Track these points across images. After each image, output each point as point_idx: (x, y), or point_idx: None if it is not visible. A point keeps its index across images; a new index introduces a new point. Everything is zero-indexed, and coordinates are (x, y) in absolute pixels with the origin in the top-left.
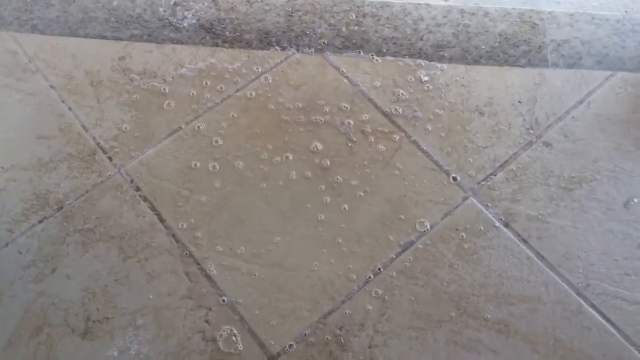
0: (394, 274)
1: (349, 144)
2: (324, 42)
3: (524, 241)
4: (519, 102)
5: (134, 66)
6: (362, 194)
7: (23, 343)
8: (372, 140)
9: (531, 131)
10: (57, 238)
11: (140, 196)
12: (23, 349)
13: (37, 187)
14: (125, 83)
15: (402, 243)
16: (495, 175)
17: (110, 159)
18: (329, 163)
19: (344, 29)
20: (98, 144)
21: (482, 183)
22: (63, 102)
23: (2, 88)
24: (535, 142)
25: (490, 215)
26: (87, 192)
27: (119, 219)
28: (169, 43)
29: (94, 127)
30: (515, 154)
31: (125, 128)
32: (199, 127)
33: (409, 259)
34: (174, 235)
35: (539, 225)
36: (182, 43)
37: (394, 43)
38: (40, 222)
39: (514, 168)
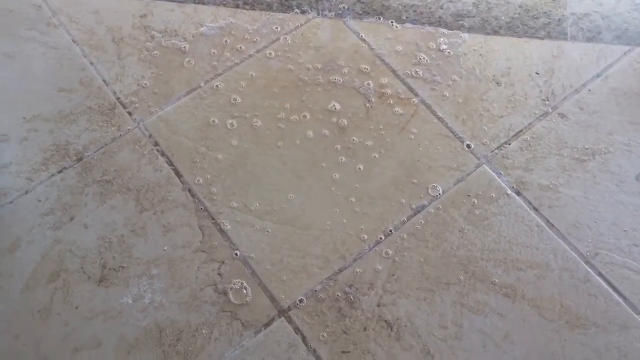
0: (405, 236)
1: (367, 105)
2: (343, 7)
3: (535, 209)
4: (536, 73)
5: (155, 24)
6: (376, 156)
7: (40, 287)
8: (390, 102)
9: (547, 102)
10: (75, 188)
11: (158, 151)
12: (40, 293)
13: (58, 138)
14: (146, 40)
15: (414, 206)
16: (509, 144)
17: (129, 113)
18: (346, 123)
19: None
20: (118, 98)
21: (496, 151)
22: (85, 56)
23: (26, 41)
24: (551, 113)
25: (502, 183)
26: (106, 144)
27: (136, 172)
28: (190, 2)
29: (115, 82)
30: (530, 124)
31: (145, 84)
32: (217, 85)
33: (420, 222)
34: (189, 190)
35: (551, 194)
36: (204, 3)
37: (414, 11)
38: (59, 172)
39: (528, 138)
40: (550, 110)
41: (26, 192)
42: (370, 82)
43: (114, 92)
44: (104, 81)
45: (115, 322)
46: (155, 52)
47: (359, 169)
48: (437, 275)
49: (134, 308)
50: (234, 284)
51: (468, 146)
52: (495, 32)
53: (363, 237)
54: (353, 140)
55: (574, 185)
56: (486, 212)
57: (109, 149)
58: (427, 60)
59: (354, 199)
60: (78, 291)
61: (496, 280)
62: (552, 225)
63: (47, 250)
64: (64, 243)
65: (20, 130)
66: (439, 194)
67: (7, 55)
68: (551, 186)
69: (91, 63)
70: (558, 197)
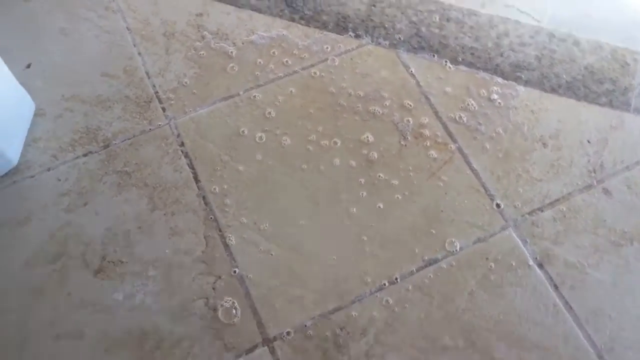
0: (410, 287)
1: (402, 142)
2: (400, 38)
3: (555, 287)
4: (588, 141)
5: (209, 24)
6: (399, 197)
7: (39, 267)
8: (427, 144)
9: (593, 174)
10: (95, 174)
11: (182, 151)
12: (38, 272)
13: (90, 122)
14: (196, 39)
15: (426, 258)
16: (542, 211)
17: (164, 109)
18: (375, 157)
19: (423, 29)
20: (156, 92)
21: (526, 216)
22: (134, 45)
23: (83, 21)
24: (595, 187)
25: (526, 252)
26: (134, 136)
27: (156, 169)
28: (248, 9)
29: (157, 75)
30: (569, 194)
31: (186, 82)
32: (255, 96)
33: (430, 276)
34: (204, 197)
35: (576, 273)
36: (260, 12)
37: (472, 54)
38: (84, 155)
39: (564, 209)
40: (595, 184)
41: (48, 169)
42: (410, 119)
43: (154, 86)
44: (147, 73)
45: (102, 316)
46: (202, 53)
47: (379, 207)
48: (435, 336)
49: (123, 306)
50: (226, 302)
51: (498, 205)
52: (552, 90)
53: (366, 279)
54: (379, 176)
55: (604, 269)
56: (502, 279)
57: (136, 141)
58: (474, 107)
59: (366, 238)
60: (74, 278)
61: (496, 356)
62: (570, 308)
63: (55, 231)
64: (72, 226)
65: (57, 107)
66: (456, 250)
67: (62, 31)
68: (578, 265)
69: (139, 53)
70: (583, 278)
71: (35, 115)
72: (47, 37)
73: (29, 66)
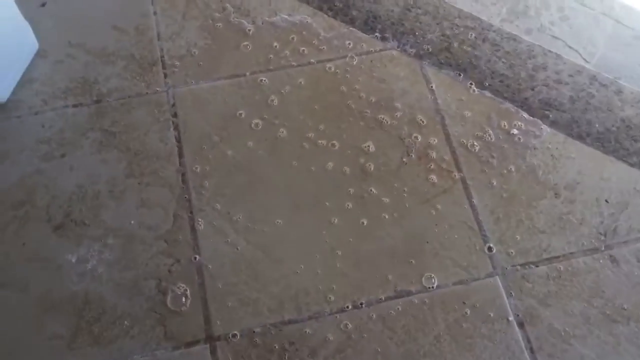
0: (374, 316)
1: (404, 159)
2: (428, 49)
3: (532, 351)
4: (606, 200)
5: None
6: (386, 217)
7: (2, 210)
8: (430, 167)
9: (602, 238)
10: (81, 127)
11: (173, 122)
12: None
13: (89, 73)
14: (216, 10)
15: (398, 288)
16: (537, 265)
17: (165, 75)
18: (372, 169)
19: (455, 45)
20: (162, 56)
21: (518, 268)
22: (152, 4)
23: None
24: (602, 252)
25: (508, 305)
26: (128, 97)
27: (142, 135)
28: None
29: (167, 39)
30: (571, 253)
31: (194, 53)
32: (262, 80)
33: (397, 308)
34: (183, 175)
35: (558, 342)
36: None
37: (501, 81)
38: (74, 105)
39: (561, 268)
40: (603, 248)
41: (36, 113)
42: (419, 136)
43: (162, 49)
44: (158, 34)
45: (50, 274)
46: (219, 25)
47: (362, 223)
48: None
49: (74, 269)
50: (178, 288)
51: (490, 249)
52: (579, 137)
53: (330, 297)
54: (370, 190)
55: (590, 343)
56: (475, 329)
57: (129, 102)
58: (490, 138)
59: (340, 253)
60: (33, 229)
61: None
62: None
63: (26, 177)
64: (44, 176)
65: (60, 51)
66: (432, 287)
67: None
68: (563, 333)
69: (154, 13)
70: (565, 349)
71: (37, 55)
72: None
73: (43, 5)
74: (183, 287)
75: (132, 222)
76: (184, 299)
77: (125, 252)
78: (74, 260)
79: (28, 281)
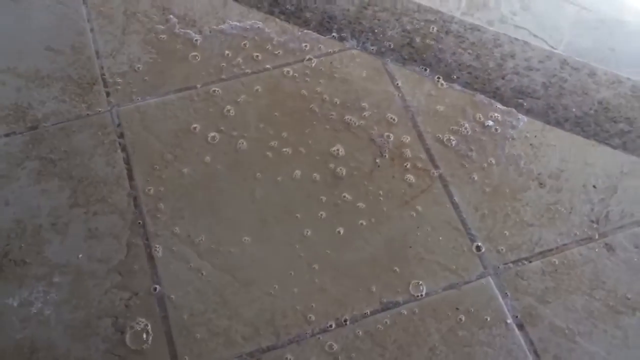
0: (361, 333)
1: (377, 160)
2: (389, 46)
3: (536, 354)
4: (594, 186)
5: (177, 8)
6: (364, 223)
7: None
8: (406, 166)
9: (595, 226)
10: (15, 158)
11: (120, 144)
12: None
13: (21, 99)
14: (159, 22)
15: (384, 300)
16: (530, 261)
17: (107, 94)
18: (344, 173)
19: (417, 40)
20: (103, 75)
21: (510, 265)
22: (88, 21)
23: None
24: (596, 241)
25: (505, 307)
26: (67, 120)
27: (86, 161)
28: None
29: (107, 56)
30: (565, 245)
31: (138, 68)
32: (214, 91)
33: (385, 322)
34: (135, 198)
35: (563, 341)
36: (237, 0)
37: (469, 73)
38: (6, 135)
39: (556, 261)
40: (597, 237)
41: None
42: (391, 135)
43: (102, 67)
44: (97, 52)
45: None
46: (162, 37)
47: (338, 232)
48: None
49: (16, 314)
50: (137, 324)
51: (478, 248)
52: (558, 124)
53: (310, 317)
54: (344, 196)
55: (597, 339)
56: (472, 336)
57: (69, 126)
58: (466, 131)
59: (317, 267)
60: None
61: None
62: None
63: None
64: None
65: None
66: (421, 295)
67: None
68: (567, 331)
69: (91, 29)
70: (571, 347)
71: None
72: None
73: None
74: (143, 322)
75: (80, 255)
76: (145, 336)
77: (74, 290)
78: (15, 305)
79: None
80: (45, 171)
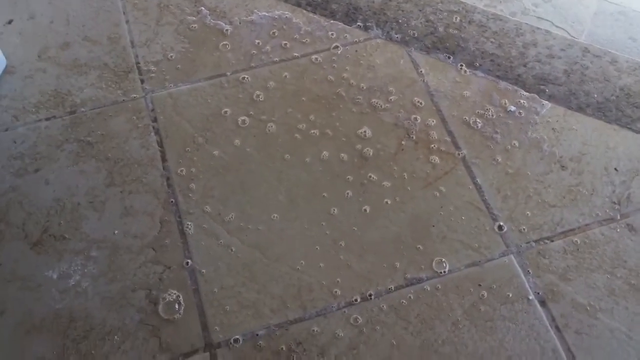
0: (385, 307)
1: (403, 142)
2: (413, 35)
3: (557, 329)
4: (615, 169)
5: (208, 0)
6: (389, 202)
7: None
8: (432, 148)
9: (616, 207)
10: (55, 140)
11: (153, 127)
12: None
13: (61, 85)
14: (191, 13)
15: (408, 276)
16: (552, 240)
17: (142, 81)
18: (370, 154)
19: (441, 29)
20: (137, 63)
21: (533, 244)
22: (124, 13)
23: None
24: (618, 221)
25: (527, 284)
26: (104, 105)
27: (122, 143)
28: None
29: (142, 45)
30: (587, 225)
31: (171, 56)
32: (244, 78)
33: (409, 297)
34: (168, 179)
35: (584, 317)
36: None
37: (492, 60)
38: (47, 119)
39: (578, 241)
40: (619, 217)
41: (6, 130)
42: (418, 117)
43: (136, 56)
44: (132, 42)
45: (30, 294)
46: (194, 27)
47: (364, 210)
48: None
49: (56, 286)
50: (169, 295)
51: (500, 228)
52: (580, 109)
53: (335, 291)
54: (370, 176)
55: (618, 316)
56: (494, 311)
57: (106, 111)
58: (490, 115)
59: (343, 244)
60: (9, 247)
61: None
62: (573, 357)
63: None
64: (18, 192)
65: (29, 66)
66: (444, 272)
67: None
68: (588, 308)
69: (127, 21)
70: (592, 323)
71: (5, 72)
72: None
73: (10, 22)
74: (175, 294)
75: (116, 232)
76: (177, 306)
77: (110, 264)
78: (55, 277)
79: (6, 304)
80: (83, 153)
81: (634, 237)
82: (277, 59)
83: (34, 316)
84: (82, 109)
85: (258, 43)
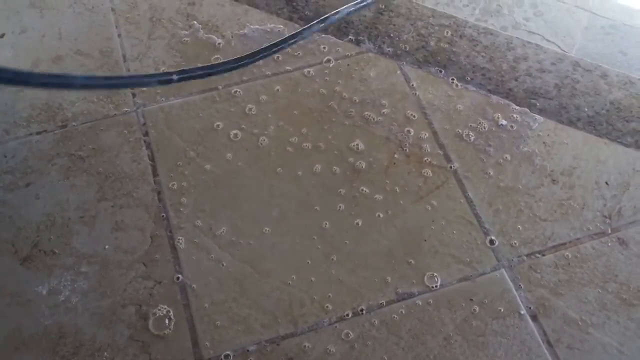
0: (376, 322)
1: (396, 155)
2: (405, 49)
3: (549, 344)
4: (606, 183)
5: (200, 15)
6: (381, 216)
7: None
8: (424, 161)
9: (607, 221)
10: (46, 154)
11: (145, 142)
12: None
13: (52, 99)
14: (183, 28)
15: (399, 291)
16: (543, 255)
17: (133, 95)
18: (363, 166)
19: (432, 44)
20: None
21: (524, 258)
22: (116, 27)
23: None
24: (608, 235)
25: (518, 299)
26: (96, 120)
27: (113, 157)
28: (244, 4)
29: (134, 60)
30: (578, 239)
31: (163, 70)
32: (236, 92)
33: (401, 312)
34: (159, 193)
35: (576, 332)
36: (257, 7)
37: (483, 74)
38: (38, 133)
39: (569, 255)
40: (609, 232)
41: None
42: (411, 130)
43: (128, 70)
44: (124, 56)
45: (19, 309)
46: (187, 41)
47: (356, 224)
48: None
49: (45, 301)
50: (159, 310)
51: (491, 242)
52: (570, 123)
53: (327, 306)
54: (362, 190)
55: (610, 330)
56: (486, 326)
57: (97, 125)
58: (481, 129)
59: (335, 258)
60: None
61: None
62: None
63: None
64: (7, 207)
65: None
66: (436, 286)
67: (44, 5)
68: (580, 322)
69: (119, 35)
70: (584, 338)
71: None
72: (26, 10)
73: (2, 36)
74: (165, 309)
75: (107, 246)
76: (167, 322)
77: (100, 279)
78: (44, 293)
79: None
80: (74, 167)
81: (625, 251)
82: (269, 72)
83: (23, 332)
84: (74, 123)
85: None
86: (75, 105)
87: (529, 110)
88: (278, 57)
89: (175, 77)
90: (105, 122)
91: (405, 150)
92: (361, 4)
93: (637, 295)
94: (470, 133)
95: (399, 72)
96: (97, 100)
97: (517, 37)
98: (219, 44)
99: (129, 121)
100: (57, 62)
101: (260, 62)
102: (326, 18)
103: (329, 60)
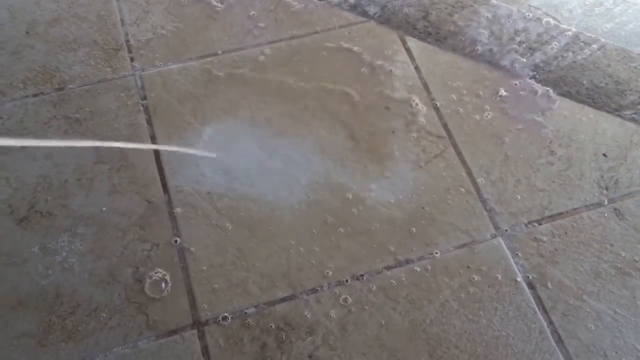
0: (374, 287)
1: (393, 124)
2: (406, 20)
3: (545, 310)
4: (604, 154)
5: None
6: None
7: None
8: (423, 130)
9: (605, 192)
10: (42, 117)
11: (142, 105)
12: None
13: (49, 62)
14: None
15: (399, 257)
16: (540, 224)
17: (131, 59)
18: (362, 136)
19: (433, 14)
20: (127, 41)
21: (522, 227)
22: None
23: None
24: (605, 206)
25: (515, 266)
26: (93, 83)
27: (110, 121)
28: None
29: (132, 24)
30: (575, 209)
31: (162, 34)
32: (235, 59)
33: (399, 277)
34: (157, 157)
35: (571, 299)
36: None
37: (483, 46)
38: (35, 95)
39: (566, 224)
40: (606, 202)
41: None
42: (409, 102)
43: (126, 34)
44: (122, 20)
45: (15, 269)
46: (186, 6)
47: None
48: (394, 347)
49: (42, 262)
50: (156, 273)
51: (489, 211)
52: (569, 95)
53: (326, 272)
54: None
55: (604, 298)
56: (482, 293)
57: (95, 88)
58: (479, 101)
59: (333, 223)
60: None
61: None
62: (559, 339)
63: None
64: (4, 169)
65: (18, 42)
66: (434, 254)
67: None
68: (575, 290)
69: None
70: (579, 305)
71: None
72: None
73: None
74: (162, 272)
75: (104, 209)
76: (163, 285)
77: (97, 241)
78: (41, 253)
79: None
80: (71, 130)
81: (620, 221)
82: (270, 38)
83: (20, 292)
84: (71, 86)
85: (252, 14)
86: (72, 68)
87: (528, 82)
88: (282, 19)
89: None
90: (103, 85)
91: (405, 120)
92: None
93: (632, 265)
94: (470, 104)
95: (399, 42)
96: (94, 64)
97: (518, 10)
98: (218, 9)
99: (126, 85)
100: (54, 25)
101: (262, 24)
102: None
103: (330, 29)
